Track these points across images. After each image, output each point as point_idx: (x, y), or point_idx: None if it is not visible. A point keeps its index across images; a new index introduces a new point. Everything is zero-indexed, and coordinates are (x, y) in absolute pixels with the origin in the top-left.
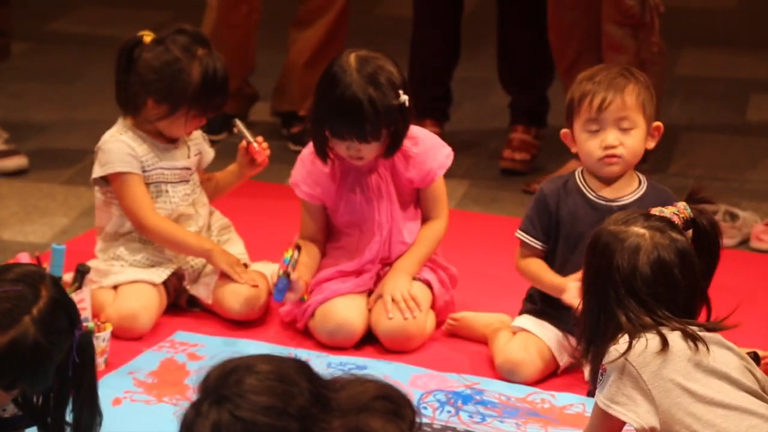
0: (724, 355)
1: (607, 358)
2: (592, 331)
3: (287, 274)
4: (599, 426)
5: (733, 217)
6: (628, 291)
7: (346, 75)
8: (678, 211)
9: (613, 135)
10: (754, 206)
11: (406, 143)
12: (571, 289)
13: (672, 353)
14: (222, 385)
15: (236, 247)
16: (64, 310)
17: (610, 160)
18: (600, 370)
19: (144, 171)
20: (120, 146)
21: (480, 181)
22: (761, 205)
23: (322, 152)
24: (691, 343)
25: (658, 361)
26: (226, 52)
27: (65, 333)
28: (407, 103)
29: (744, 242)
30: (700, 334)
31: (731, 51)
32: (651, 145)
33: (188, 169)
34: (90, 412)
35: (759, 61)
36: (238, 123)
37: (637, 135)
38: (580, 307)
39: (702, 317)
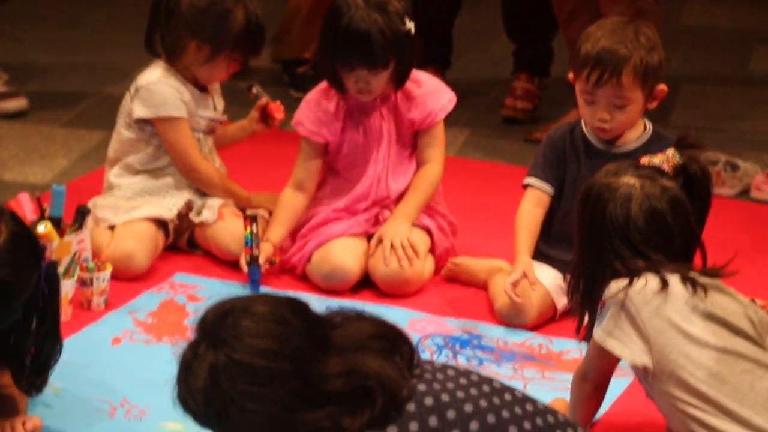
0: (722, 300)
1: (607, 293)
2: (588, 283)
3: (255, 260)
4: (595, 360)
5: (734, 167)
6: (623, 241)
7: (351, 6)
8: (667, 158)
9: (606, 110)
10: (755, 156)
11: (410, 85)
12: (516, 268)
13: (670, 294)
14: (218, 327)
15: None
16: (27, 244)
17: (600, 131)
18: (599, 305)
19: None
20: (171, 90)
21: (481, 129)
22: (762, 155)
23: (337, 85)
24: (690, 287)
25: (657, 300)
26: None
27: (30, 266)
28: (413, 31)
29: (744, 192)
30: (700, 280)
31: (735, 2)
32: (652, 105)
33: (217, 120)
34: (52, 341)
35: (763, 13)
36: (257, 85)
37: (631, 110)
38: (574, 260)
39: (697, 263)
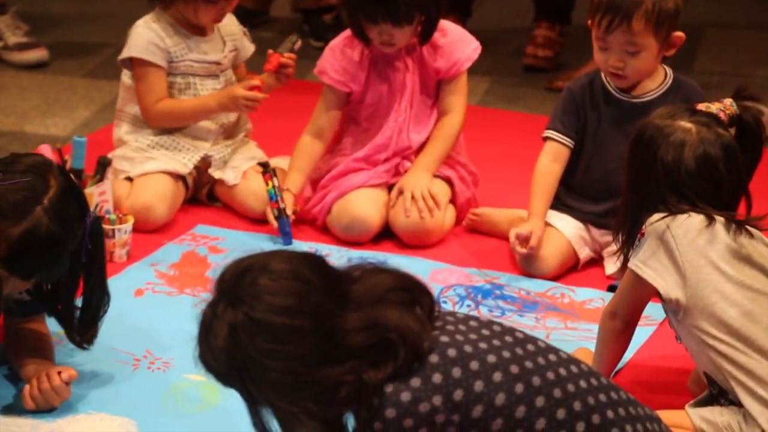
0: (761, 249)
1: (648, 222)
2: (633, 225)
3: (283, 212)
4: (628, 293)
5: (758, 113)
6: (671, 185)
7: None
8: (724, 107)
9: (618, 56)
10: None
11: (435, 34)
12: (526, 225)
13: (712, 233)
14: (237, 285)
15: (254, 150)
16: (74, 197)
17: (615, 79)
18: (638, 236)
19: (171, 62)
20: (148, 33)
21: (502, 78)
22: None
23: (362, 36)
24: (733, 231)
25: (698, 237)
26: None
27: (77, 220)
28: None
29: None
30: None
31: None
32: (670, 53)
33: (218, 63)
34: (100, 294)
35: None
36: (291, 37)
37: (644, 56)
38: (622, 198)
39: (741, 213)
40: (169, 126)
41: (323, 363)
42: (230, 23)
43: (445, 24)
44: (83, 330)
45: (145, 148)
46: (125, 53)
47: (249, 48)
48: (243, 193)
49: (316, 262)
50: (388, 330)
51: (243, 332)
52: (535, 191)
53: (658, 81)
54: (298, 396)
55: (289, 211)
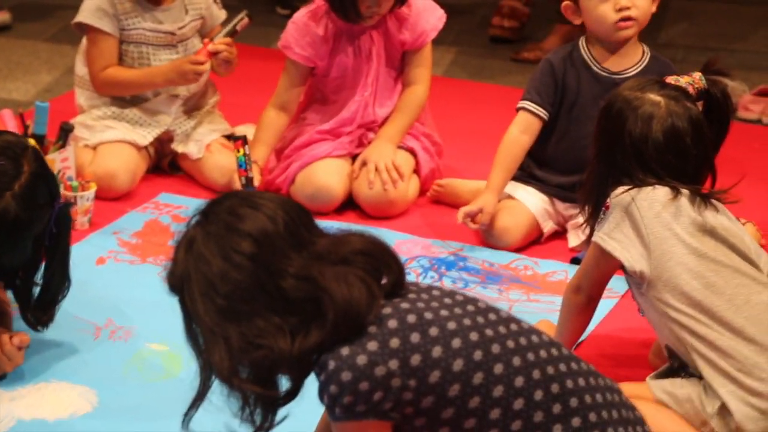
0: (725, 222)
1: (612, 195)
2: (599, 196)
3: (251, 181)
4: (592, 267)
5: None
6: (637, 158)
7: None
8: (693, 81)
9: None
10: (743, 76)
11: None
12: (477, 201)
13: (677, 207)
14: (215, 206)
15: (218, 123)
16: (44, 183)
17: (625, 24)
18: (603, 209)
19: (123, 29)
20: None
21: (468, 48)
22: (750, 74)
23: (351, 10)
24: (697, 206)
25: (663, 209)
26: None
27: (45, 207)
28: None
29: (731, 112)
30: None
31: None
32: (653, 7)
33: (173, 34)
34: (60, 278)
35: None
36: (235, 19)
37: None
38: (589, 170)
39: (706, 187)
40: (115, 94)
41: (255, 300)
42: None
43: None
44: (39, 312)
45: (105, 118)
46: (76, 17)
47: (219, 16)
48: (207, 167)
49: (299, 211)
50: (321, 289)
51: (197, 244)
52: (498, 162)
53: (636, 58)
54: (224, 321)
55: (257, 182)
